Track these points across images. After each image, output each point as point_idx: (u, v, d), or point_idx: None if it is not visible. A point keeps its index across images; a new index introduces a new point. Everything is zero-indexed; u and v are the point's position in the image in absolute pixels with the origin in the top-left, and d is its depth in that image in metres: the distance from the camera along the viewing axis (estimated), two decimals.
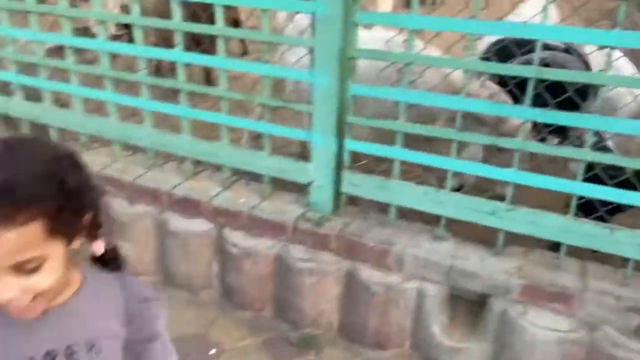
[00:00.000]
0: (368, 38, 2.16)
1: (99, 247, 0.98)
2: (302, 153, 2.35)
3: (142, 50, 2.45)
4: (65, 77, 2.72)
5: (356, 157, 2.33)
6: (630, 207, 1.91)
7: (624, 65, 2.60)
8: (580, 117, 1.83)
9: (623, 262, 1.95)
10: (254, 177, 2.56)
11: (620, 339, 1.84)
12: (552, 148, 1.92)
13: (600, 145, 2.15)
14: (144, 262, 2.69)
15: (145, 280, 2.71)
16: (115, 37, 4.05)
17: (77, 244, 0.88)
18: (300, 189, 2.44)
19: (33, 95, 2.95)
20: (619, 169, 1.90)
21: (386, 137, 2.13)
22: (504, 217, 2.02)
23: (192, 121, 2.53)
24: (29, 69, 2.85)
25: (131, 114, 2.72)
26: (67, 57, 2.63)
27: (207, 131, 2.63)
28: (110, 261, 1.00)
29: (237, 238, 2.41)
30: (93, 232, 0.94)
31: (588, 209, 2.00)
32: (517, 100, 2.06)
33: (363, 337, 2.27)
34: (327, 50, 2.06)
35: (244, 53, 5.89)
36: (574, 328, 1.91)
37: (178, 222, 2.52)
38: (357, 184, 2.25)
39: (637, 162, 1.80)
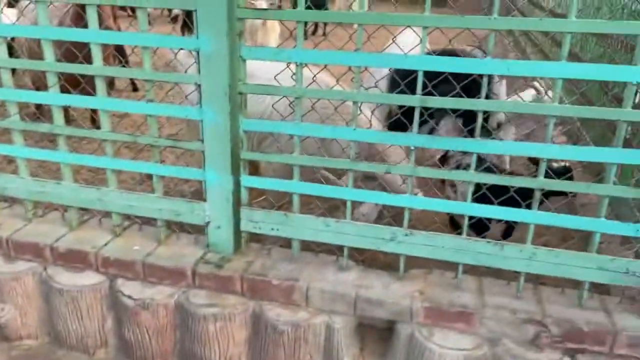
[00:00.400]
0: (261, 69, 2.14)
1: None
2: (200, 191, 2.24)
3: (12, 94, 2.24)
4: None
5: (258, 192, 2.27)
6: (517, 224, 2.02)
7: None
8: (461, 142, 1.92)
9: (515, 275, 2.05)
10: (147, 221, 2.41)
11: (518, 351, 1.91)
12: (441, 172, 1.99)
13: (485, 166, 2.27)
14: (27, 324, 2.42)
15: (32, 344, 2.44)
16: None
17: None
18: (198, 229, 2.33)
19: None
20: (504, 188, 2.01)
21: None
22: (403, 242, 2.05)
23: (76, 166, 2.34)
24: None
25: (6, 163, 2.48)
26: None
27: (92, 175, 2.45)
28: None
29: (132, 289, 2.24)
30: None
31: (479, 227, 2.10)
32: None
33: None
34: (215, 86, 2.00)
35: (135, 89, 5.64)
36: (477, 345, 1.96)
37: (64, 278, 2.30)
38: (257, 220, 2.19)
39: (516, 180, 1.91)
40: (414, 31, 1.88)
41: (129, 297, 2.22)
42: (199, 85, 2.04)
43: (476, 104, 1.83)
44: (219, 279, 2.18)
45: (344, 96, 2.03)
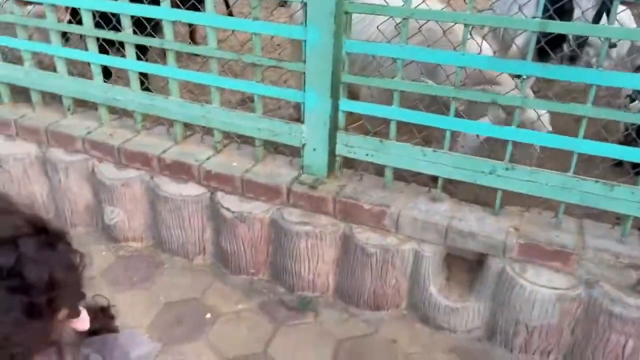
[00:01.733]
0: None
1: (83, 323, 0.79)
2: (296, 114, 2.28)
3: (126, 8, 2.34)
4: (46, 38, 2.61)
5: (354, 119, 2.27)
6: None
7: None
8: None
9: (619, 219, 1.95)
10: (245, 141, 2.50)
11: (617, 295, 1.84)
12: (552, 104, 1.87)
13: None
14: (133, 228, 2.64)
15: (137, 246, 2.67)
16: None
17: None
18: (294, 152, 2.39)
19: (13, 57, 2.83)
20: None
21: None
22: (502, 176, 1.99)
23: (182, 83, 2.45)
24: (7, 30, 2.72)
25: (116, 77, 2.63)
26: (47, 15, 2.51)
27: (197, 94, 2.55)
28: (100, 328, 0.89)
29: (230, 202, 2.36)
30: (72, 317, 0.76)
31: None
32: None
33: (360, 298, 2.26)
34: (321, 4, 1.98)
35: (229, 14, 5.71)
36: (573, 285, 1.91)
37: (169, 187, 2.46)
38: (352, 145, 2.20)
39: None
40: None
41: (228, 209, 2.34)
42: (305, 4, 2.02)
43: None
44: (312, 199, 2.24)
45: (453, 18, 1.93)
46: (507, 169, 1.98)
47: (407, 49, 1.96)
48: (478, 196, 2.20)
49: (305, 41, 2.08)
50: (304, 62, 2.12)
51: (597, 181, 1.88)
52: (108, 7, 2.38)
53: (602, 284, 1.88)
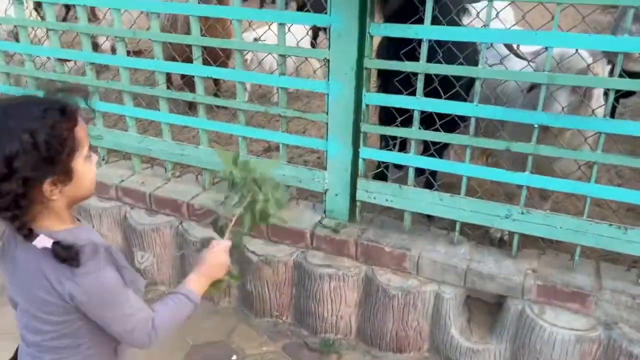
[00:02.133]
0: None
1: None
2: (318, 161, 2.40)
3: (161, 65, 2.53)
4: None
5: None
6: None
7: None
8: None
9: (635, 261, 2.00)
10: None
11: (637, 337, 1.88)
12: (568, 152, 1.97)
13: None
14: (162, 271, 2.74)
15: (166, 290, 2.76)
16: (135, 53, 4.15)
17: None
18: (317, 197, 2.49)
19: None
20: None
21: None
22: (518, 220, 2.07)
23: (209, 133, 2.60)
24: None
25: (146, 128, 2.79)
26: (86, 73, 2.71)
27: (224, 144, 2.70)
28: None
29: (255, 246, 2.46)
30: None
31: None
32: None
33: (382, 340, 2.31)
34: (343, 61, 2.13)
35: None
36: (592, 326, 1.95)
37: (197, 232, 2.58)
38: (373, 191, 2.31)
39: None
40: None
41: (253, 252, 2.44)
42: (328, 60, 2.18)
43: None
44: (335, 243, 2.33)
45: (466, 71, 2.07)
46: (522, 213, 2.06)
47: (423, 101, 2.10)
48: (494, 241, 2.28)
49: (327, 94, 2.23)
50: (327, 113, 2.26)
51: (610, 224, 1.95)
52: (145, 65, 2.58)
53: (620, 326, 1.92)
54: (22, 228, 1.06)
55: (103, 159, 2.91)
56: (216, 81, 4.78)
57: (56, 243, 1.06)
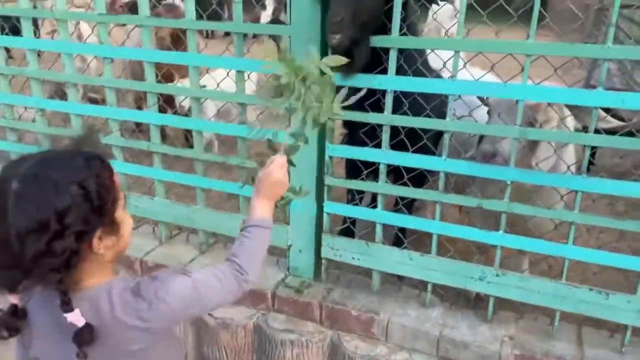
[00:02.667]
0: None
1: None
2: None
3: (114, 113, 2.38)
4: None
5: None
6: None
7: None
8: None
9: (619, 326, 1.85)
10: (232, 239, 2.44)
11: None
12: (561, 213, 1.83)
13: None
14: None
15: None
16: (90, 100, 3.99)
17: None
18: (280, 252, 2.33)
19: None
20: None
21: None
22: (493, 282, 1.92)
23: (168, 183, 2.44)
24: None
25: None
26: (36, 119, 2.54)
27: (183, 194, 2.53)
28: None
29: None
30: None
31: None
32: None
33: None
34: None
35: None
36: None
37: None
38: (338, 248, 2.15)
39: None
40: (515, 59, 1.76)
41: (210, 315, 2.25)
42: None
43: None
44: (298, 305, 2.15)
45: (434, 124, 1.94)
46: (497, 275, 1.91)
47: (388, 154, 1.96)
48: (470, 300, 2.12)
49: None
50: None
51: (591, 289, 1.80)
52: (97, 112, 2.42)
53: None
54: (66, 294, 1.01)
55: None
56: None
57: (87, 327, 1.02)
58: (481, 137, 1.89)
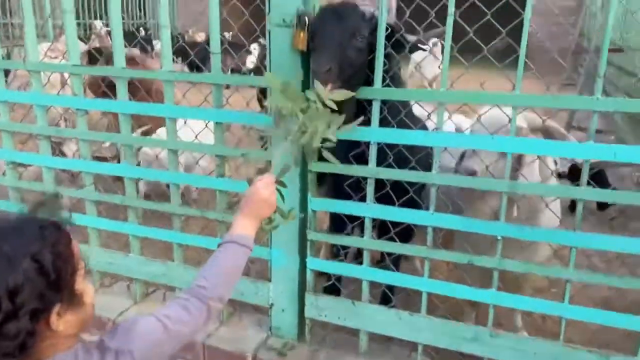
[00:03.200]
0: None
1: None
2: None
3: (88, 166, 2.27)
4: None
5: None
6: None
7: None
8: None
9: None
10: None
11: None
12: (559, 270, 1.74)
13: None
14: None
15: None
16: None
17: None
18: (262, 310, 2.20)
19: None
20: None
21: None
22: (487, 344, 1.81)
23: (144, 239, 2.32)
24: None
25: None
26: (7, 172, 2.43)
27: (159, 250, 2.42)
28: None
29: None
30: None
31: None
32: None
33: None
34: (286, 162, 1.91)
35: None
36: None
37: None
38: (323, 307, 2.03)
39: None
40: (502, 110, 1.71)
41: None
42: (269, 161, 1.96)
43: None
44: None
45: (421, 177, 1.86)
46: (491, 335, 1.80)
47: (373, 207, 1.87)
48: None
49: None
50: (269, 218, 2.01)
51: (590, 350, 1.70)
52: (68, 165, 2.32)
53: None
54: None
55: None
56: None
57: None
58: (462, 154, 1.83)
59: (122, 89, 2.10)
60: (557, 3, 7.66)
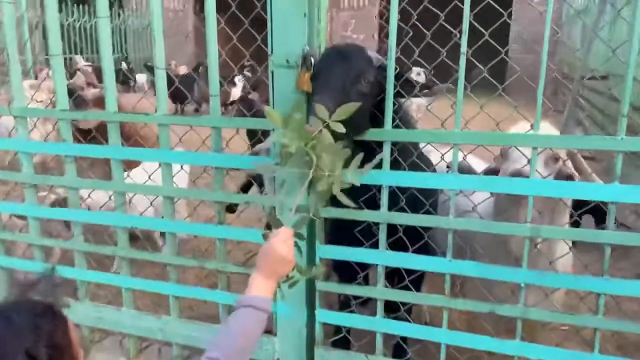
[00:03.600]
0: None
1: None
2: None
3: (77, 215, 2.13)
4: None
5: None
6: None
7: None
8: None
9: None
10: None
11: None
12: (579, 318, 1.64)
13: None
14: None
15: None
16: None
17: None
18: None
19: None
20: None
21: None
22: None
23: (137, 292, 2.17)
24: None
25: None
26: None
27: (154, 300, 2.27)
28: None
29: None
30: None
31: None
32: None
33: None
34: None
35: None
36: None
37: None
38: None
39: None
40: (520, 151, 1.63)
41: None
42: (274, 208, 1.85)
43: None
44: None
45: (436, 222, 1.76)
46: None
47: (385, 254, 1.76)
48: None
49: None
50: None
51: None
52: (57, 215, 2.18)
53: None
54: None
55: None
56: None
57: None
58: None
59: (113, 134, 1.98)
60: (532, 33, 7.85)
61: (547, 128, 1.61)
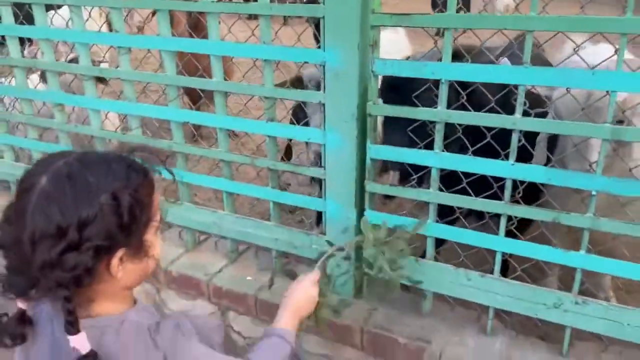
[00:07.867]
0: None
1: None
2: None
3: (134, 109, 2.15)
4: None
5: None
6: None
7: None
8: None
9: None
10: (262, 248, 2.20)
11: None
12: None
13: None
14: None
15: None
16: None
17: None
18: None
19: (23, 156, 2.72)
20: None
21: None
22: (571, 311, 1.59)
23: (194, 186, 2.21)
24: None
25: None
26: (55, 115, 2.36)
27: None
28: None
29: (242, 325, 2.04)
30: None
31: None
32: None
33: None
34: (342, 106, 1.70)
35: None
36: None
37: (176, 305, 2.18)
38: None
39: None
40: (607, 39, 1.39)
41: (239, 333, 2.02)
42: (323, 105, 1.75)
43: None
44: (336, 328, 1.88)
45: (496, 122, 1.59)
46: (576, 303, 1.57)
47: (443, 156, 1.64)
48: (540, 328, 1.78)
49: (324, 145, 1.80)
50: (324, 167, 1.83)
51: None
52: (115, 108, 2.21)
53: None
54: (73, 313, 0.87)
55: None
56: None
57: (93, 355, 0.87)
58: None
59: (162, 23, 1.93)
60: None
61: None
